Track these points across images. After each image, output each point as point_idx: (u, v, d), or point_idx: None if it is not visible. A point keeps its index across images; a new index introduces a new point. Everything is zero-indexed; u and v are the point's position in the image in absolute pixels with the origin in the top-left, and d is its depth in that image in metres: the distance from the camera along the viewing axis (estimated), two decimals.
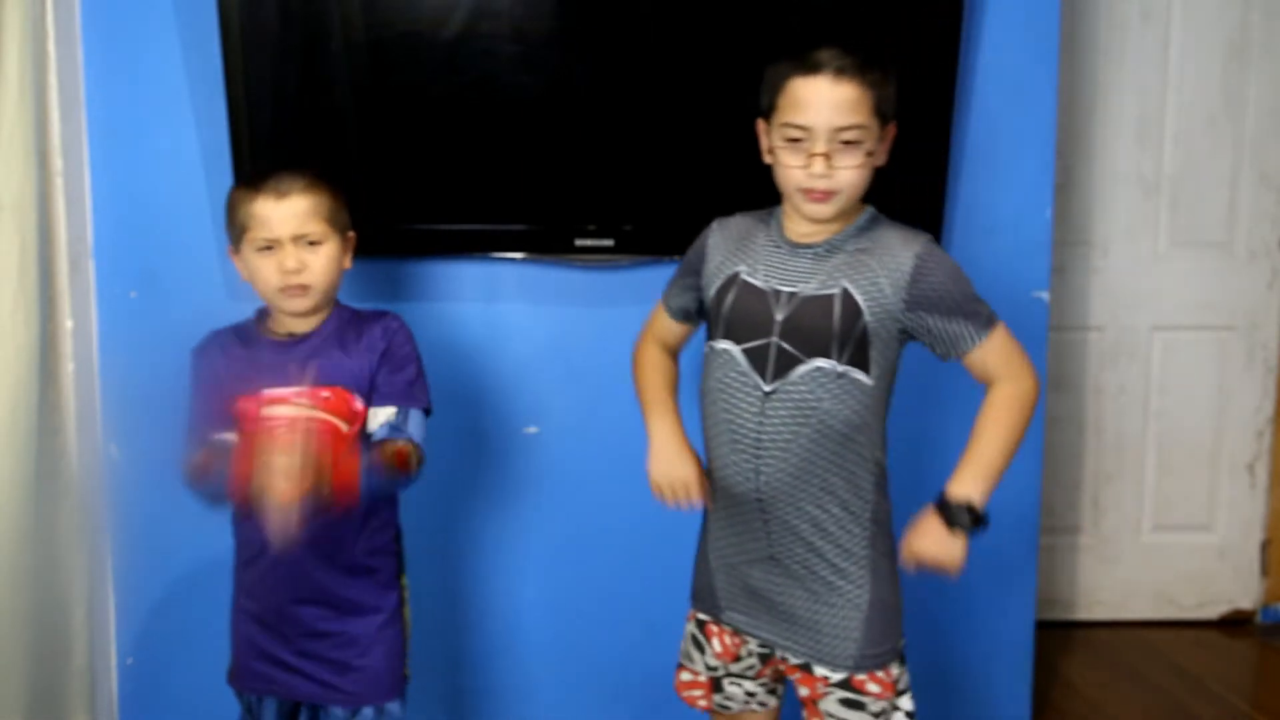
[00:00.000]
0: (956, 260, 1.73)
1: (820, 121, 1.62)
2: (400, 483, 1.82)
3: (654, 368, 1.89)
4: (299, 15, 2.16)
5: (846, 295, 1.66)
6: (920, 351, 1.76)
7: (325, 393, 1.78)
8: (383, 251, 2.27)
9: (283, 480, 1.58)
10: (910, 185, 2.23)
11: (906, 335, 1.71)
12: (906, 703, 1.75)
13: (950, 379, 1.82)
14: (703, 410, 1.78)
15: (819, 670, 1.73)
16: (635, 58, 2.23)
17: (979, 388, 1.73)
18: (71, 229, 2.22)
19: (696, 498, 1.77)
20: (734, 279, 1.74)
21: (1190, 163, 3.16)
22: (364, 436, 1.81)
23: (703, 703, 1.85)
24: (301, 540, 1.67)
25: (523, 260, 2.32)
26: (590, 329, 2.38)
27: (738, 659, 1.81)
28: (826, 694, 1.73)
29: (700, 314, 1.84)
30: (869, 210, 1.73)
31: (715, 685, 1.84)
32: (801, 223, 1.72)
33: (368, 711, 1.87)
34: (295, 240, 1.78)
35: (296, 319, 1.83)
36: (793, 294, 1.69)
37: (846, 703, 1.72)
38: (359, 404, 1.80)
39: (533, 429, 2.41)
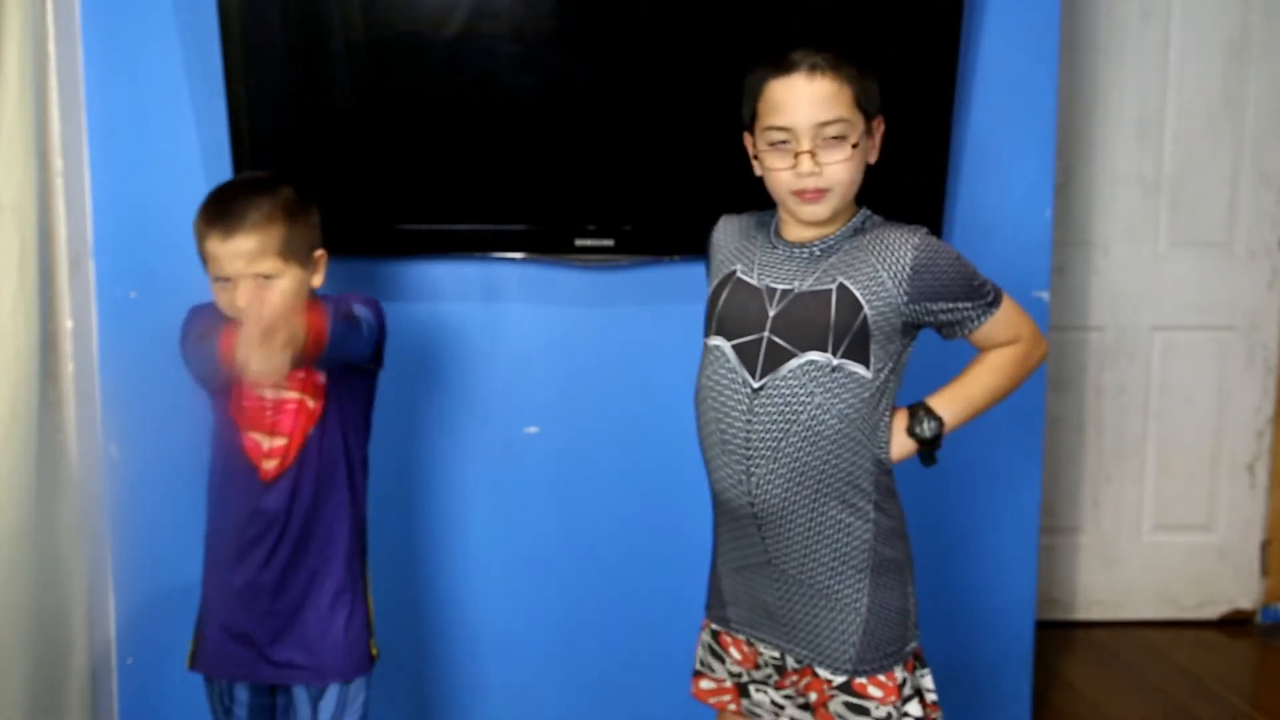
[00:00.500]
0: None
1: (801, 119, 1.63)
2: (352, 329, 1.79)
3: None
4: (299, 15, 2.16)
5: (843, 290, 1.66)
6: (924, 346, 1.77)
7: (301, 374, 1.81)
8: (383, 251, 2.27)
9: (255, 328, 1.55)
10: (910, 185, 2.23)
11: (913, 329, 1.71)
12: (914, 708, 1.72)
13: (957, 371, 1.83)
14: (696, 411, 1.77)
15: (821, 672, 1.72)
16: (635, 58, 2.23)
17: None
18: (71, 229, 2.22)
19: None
20: (730, 277, 1.74)
21: (1190, 163, 3.17)
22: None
23: (732, 707, 1.83)
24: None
25: (523, 260, 2.32)
26: (590, 329, 2.38)
27: (757, 667, 1.80)
28: (832, 696, 1.72)
29: None
30: (863, 211, 1.73)
31: (742, 690, 1.83)
32: (796, 226, 1.72)
33: (333, 689, 1.89)
34: (249, 279, 1.75)
35: None
36: (787, 291, 1.68)
37: (851, 707, 1.71)
38: (320, 378, 1.84)
39: (533, 429, 2.40)
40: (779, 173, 1.66)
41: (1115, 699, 2.86)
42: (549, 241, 2.28)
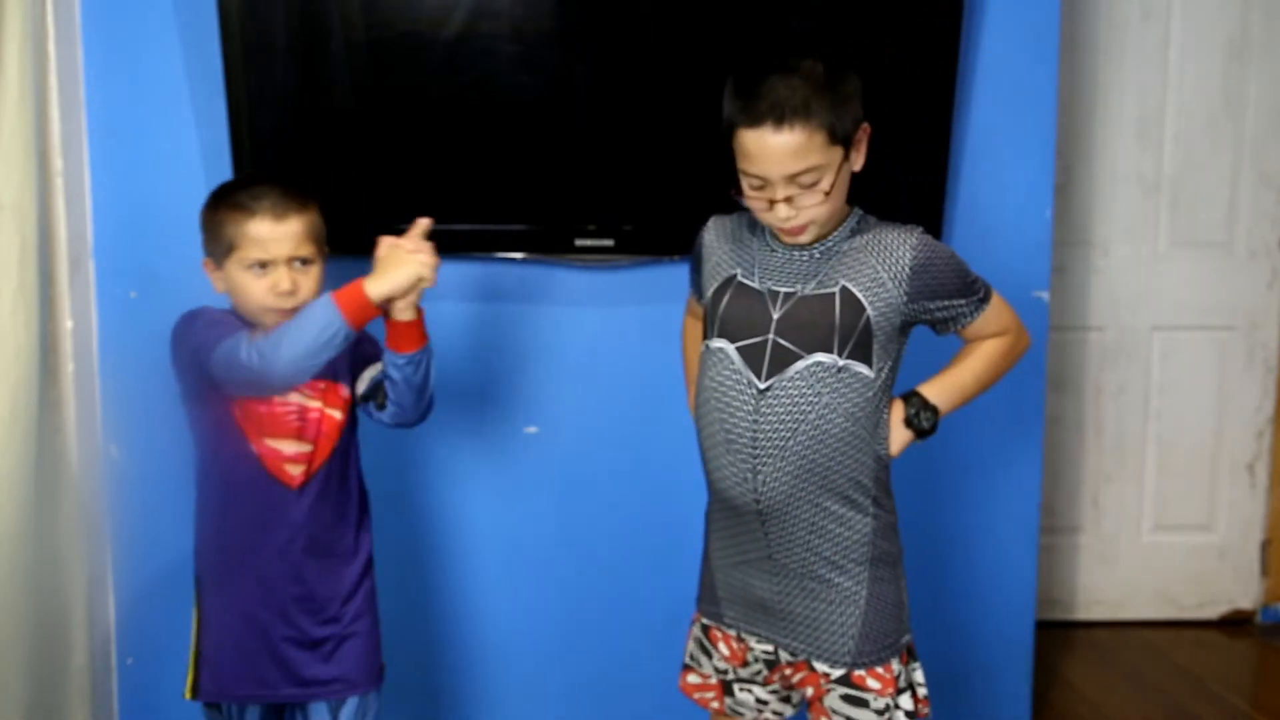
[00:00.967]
0: None
1: (773, 172, 1.61)
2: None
3: (696, 341, 1.92)
4: (299, 15, 2.16)
5: (846, 292, 1.67)
6: (918, 342, 1.77)
7: (322, 385, 1.83)
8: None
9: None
10: (910, 185, 2.23)
11: (910, 326, 1.73)
12: (906, 701, 1.74)
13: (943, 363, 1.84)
14: (698, 412, 1.78)
15: (819, 666, 1.73)
16: (635, 58, 2.23)
17: None
18: (71, 229, 2.22)
19: None
20: (730, 281, 1.74)
21: (1190, 163, 3.17)
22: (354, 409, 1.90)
23: (715, 704, 1.84)
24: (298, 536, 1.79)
25: (523, 260, 2.32)
26: (590, 329, 2.38)
27: (745, 664, 1.80)
28: (829, 690, 1.73)
29: None
30: (856, 211, 1.74)
31: (726, 689, 1.83)
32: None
33: (351, 701, 1.89)
34: (290, 261, 1.78)
35: None
36: (790, 294, 1.69)
37: (848, 699, 1.72)
38: (345, 391, 1.86)
39: (533, 429, 2.41)
40: (758, 210, 1.68)
41: (1115, 699, 2.86)
42: (549, 241, 2.28)
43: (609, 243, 2.27)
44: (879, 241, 1.70)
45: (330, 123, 2.22)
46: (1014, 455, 2.50)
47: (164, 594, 2.35)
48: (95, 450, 2.30)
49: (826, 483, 1.68)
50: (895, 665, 1.73)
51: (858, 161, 1.68)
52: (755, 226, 1.77)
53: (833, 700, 1.73)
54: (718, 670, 1.83)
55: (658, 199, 2.27)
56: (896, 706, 1.72)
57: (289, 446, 1.82)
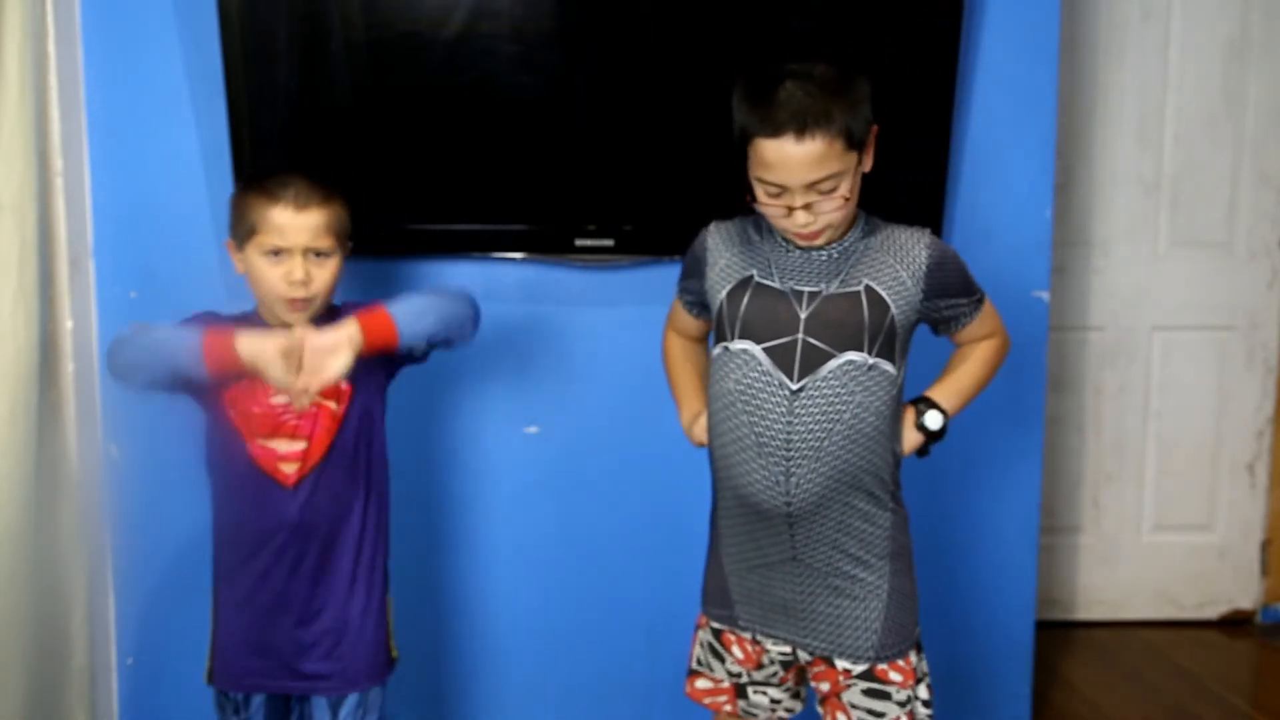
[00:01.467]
0: None
1: (794, 180, 1.61)
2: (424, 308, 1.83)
3: (684, 356, 1.95)
4: (299, 15, 2.16)
5: (871, 291, 1.68)
6: (917, 341, 1.79)
7: None
8: (383, 251, 2.27)
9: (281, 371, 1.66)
10: (910, 185, 2.23)
11: (917, 324, 1.76)
12: (924, 691, 1.76)
13: (943, 365, 1.85)
14: (715, 417, 1.76)
15: (840, 663, 1.73)
16: (635, 58, 2.23)
17: None
18: (71, 229, 2.22)
19: None
20: (748, 281, 1.73)
21: (1190, 163, 3.16)
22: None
23: (728, 708, 1.84)
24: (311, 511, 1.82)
25: (523, 260, 2.32)
26: (590, 329, 2.38)
27: (760, 666, 1.80)
28: (849, 686, 1.73)
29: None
30: (862, 211, 1.74)
31: (739, 691, 1.83)
32: None
33: (352, 699, 1.89)
34: (305, 252, 1.79)
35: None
36: (815, 293, 1.69)
37: (871, 693, 1.73)
38: (344, 384, 1.84)
39: (533, 429, 2.40)
40: (774, 217, 1.68)
41: (1115, 699, 2.86)
42: (549, 241, 2.28)
43: (609, 243, 2.27)
44: (893, 241, 1.71)
45: (330, 123, 2.22)
46: (1014, 455, 2.50)
47: (165, 594, 2.36)
48: (95, 450, 2.30)
49: (856, 482, 1.69)
50: (914, 657, 1.75)
51: (868, 163, 1.69)
52: (762, 228, 1.77)
53: (853, 695, 1.73)
54: (730, 674, 1.82)
55: (658, 199, 2.27)
56: (916, 697, 1.74)
57: (283, 445, 1.83)
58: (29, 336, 2.03)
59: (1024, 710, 2.59)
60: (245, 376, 1.73)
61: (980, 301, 1.79)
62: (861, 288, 1.68)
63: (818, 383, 1.67)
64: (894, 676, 1.73)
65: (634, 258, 2.31)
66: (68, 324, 2.22)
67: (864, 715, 1.73)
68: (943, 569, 2.45)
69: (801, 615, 1.73)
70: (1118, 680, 2.97)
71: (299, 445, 1.83)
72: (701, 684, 1.85)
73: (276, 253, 1.79)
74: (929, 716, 1.75)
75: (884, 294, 1.68)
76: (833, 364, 1.67)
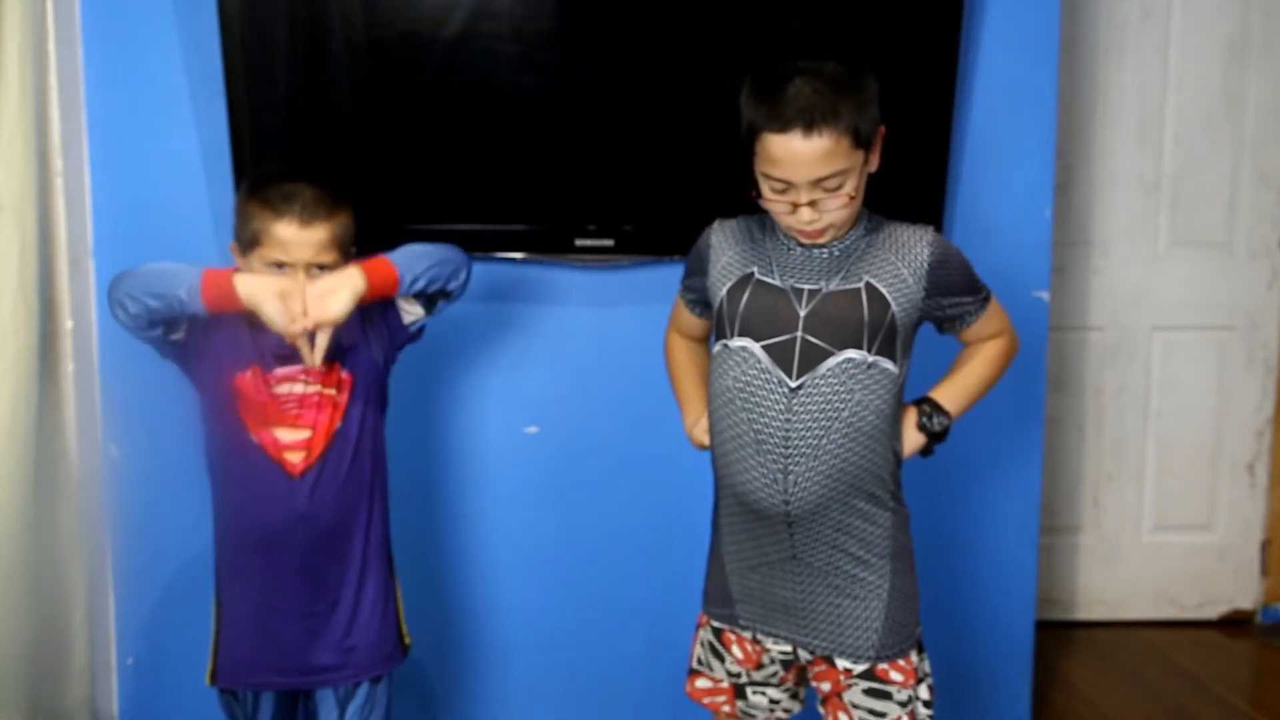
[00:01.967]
0: None
1: (800, 177, 1.61)
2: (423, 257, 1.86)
3: (687, 358, 1.94)
4: (299, 15, 2.16)
5: (871, 289, 1.68)
6: (920, 344, 1.78)
7: (322, 366, 1.82)
8: (382, 251, 2.27)
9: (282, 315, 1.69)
10: (910, 185, 2.23)
11: (919, 323, 1.75)
12: (924, 691, 1.76)
13: (947, 364, 1.85)
14: (715, 415, 1.76)
15: (841, 663, 1.73)
16: (635, 58, 2.23)
17: None
18: (71, 229, 2.22)
19: None
20: (748, 279, 1.73)
21: (1190, 163, 3.16)
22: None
23: (726, 708, 1.84)
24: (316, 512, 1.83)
25: (523, 260, 2.32)
26: (590, 329, 2.38)
27: (760, 666, 1.80)
28: (850, 685, 1.73)
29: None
30: (865, 210, 1.74)
31: (738, 692, 1.83)
32: None
33: (363, 689, 1.89)
34: (308, 267, 1.79)
35: None
36: (815, 291, 1.69)
37: (872, 692, 1.73)
38: (344, 373, 1.86)
39: (533, 429, 2.41)
40: (779, 214, 1.68)
41: (1115, 699, 2.86)
42: (549, 241, 2.28)
43: (609, 243, 2.27)
44: (895, 239, 1.71)
45: (330, 123, 2.22)
46: (1014, 455, 2.50)
47: (165, 593, 2.36)
48: (95, 450, 2.30)
49: (856, 481, 1.69)
50: (914, 656, 1.75)
51: (874, 163, 1.69)
52: (765, 226, 1.77)
53: (854, 695, 1.73)
54: (730, 674, 1.82)
55: (658, 199, 2.27)
56: (917, 697, 1.73)
57: (288, 434, 1.83)
58: (29, 336, 2.03)
59: (1024, 710, 2.59)
60: (240, 312, 1.73)
61: (986, 300, 1.78)
62: (862, 285, 1.68)
63: (816, 380, 1.66)
64: (895, 676, 1.72)
65: (634, 258, 2.31)
66: (68, 324, 2.22)
67: (865, 715, 1.73)
68: (943, 569, 2.45)
69: (802, 614, 1.73)
70: (1118, 680, 2.97)
71: (303, 434, 1.83)
72: (701, 683, 1.85)
73: (279, 265, 1.78)
74: (930, 717, 1.75)
75: (884, 291, 1.68)
76: (831, 362, 1.66)
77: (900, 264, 1.69)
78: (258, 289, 1.69)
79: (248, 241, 1.80)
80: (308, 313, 1.70)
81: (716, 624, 1.82)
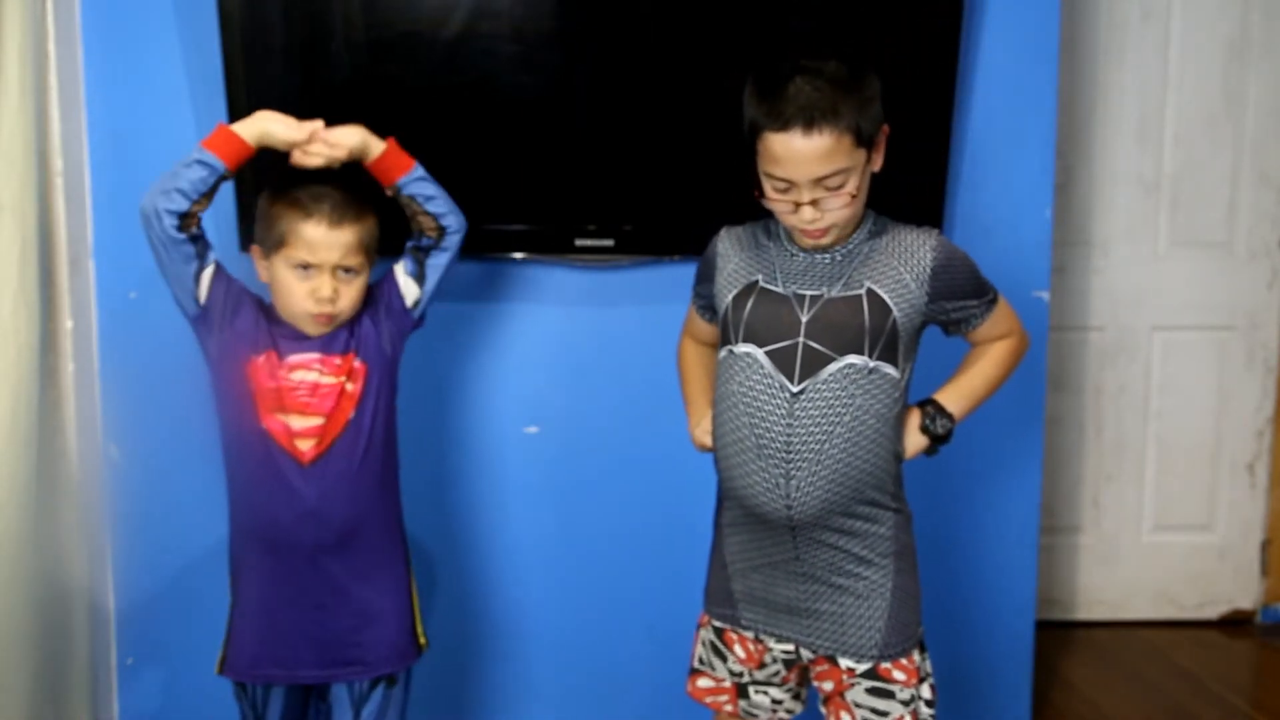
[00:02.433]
0: None
1: (800, 175, 1.61)
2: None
3: (697, 361, 1.95)
4: (299, 15, 2.16)
5: (872, 294, 1.68)
6: (929, 340, 1.79)
7: (337, 359, 1.84)
8: (383, 251, 2.26)
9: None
10: (910, 185, 2.23)
11: (925, 327, 1.75)
12: (926, 691, 1.76)
13: (952, 369, 1.85)
14: (719, 419, 1.77)
15: (844, 662, 1.73)
16: (635, 58, 2.23)
17: None
18: (71, 229, 2.22)
19: None
20: (753, 286, 1.74)
21: (1190, 163, 3.17)
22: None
23: (729, 708, 1.84)
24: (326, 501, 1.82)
25: (523, 260, 2.32)
26: (590, 329, 2.38)
27: (762, 665, 1.80)
28: (853, 685, 1.73)
29: None
30: (870, 212, 1.74)
31: (740, 691, 1.83)
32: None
33: (379, 690, 1.87)
34: (334, 269, 1.80)
35: None
36: (816, 296, 1.69)
37: (875, 691, 1.73)
38: (358, 362, 1.85)
39: (533, 429, 2.41)
40: (781, 213, 1.68)
41: (1115, 699, 2.86)
42: (549, 241, 2.28)
43: (609, 243, 2.27)
44: (899, 243, 1.71)
45: (330, 123, 2.20)
46: (1014, 455, 2.50)
47: (164, 594, 2.36)
48: (95, 450, 2.30)
49: (858, 486, 1.69)
50: (916, 656, 1.75)
51: (877, 162, 1.69)
52: (770, 233, 1.77)
53: (856, 694, 1.73)
54: (732, 673, 1.82)
55: (658, 199, 2.27)
56: (919, 696, 1.73)
57: (298, 421, 1.82)
58: (29, 336, 2.03)
59: (1024, 710, 2.59)
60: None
61: (993, 302, 1.78)
62: (863, 291, 1.68)
63: (818, 385, 1.67)
64: (897, 675, 1.73)
65: (634, 258, 2.31)
66: (68, 324, 2.22)
67: (868, 714, 1.73)
68: (943, 569, 2.45)
69: (805, 614, 1.74)
70: (1118, 680, 2.97)
71: (315, 421, 1.82)
72: (703, 683, 1.85)
73: (305, 267, 1.79)
74: (932, 716, 1.75)
75: (886, 297, 1.68)
76: (833, 367, 1.67)
77: (903, 269, 1.69)
78: (258, 118, 1.79)
79: (274, 243, 1.81)
80: (316, 138, 1.79)
81: (718, 624, 1.82)
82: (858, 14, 2.23)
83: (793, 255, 1.73)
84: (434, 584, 2.42)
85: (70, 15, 2.20)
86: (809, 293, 1.70)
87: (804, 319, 1.68)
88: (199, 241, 1.82)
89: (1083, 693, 2.90)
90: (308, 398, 1.82)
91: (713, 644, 1.84)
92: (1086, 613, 3.32)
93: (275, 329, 1.85)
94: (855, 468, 1.67)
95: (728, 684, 1.83)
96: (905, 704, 1.73)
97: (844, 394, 1.66)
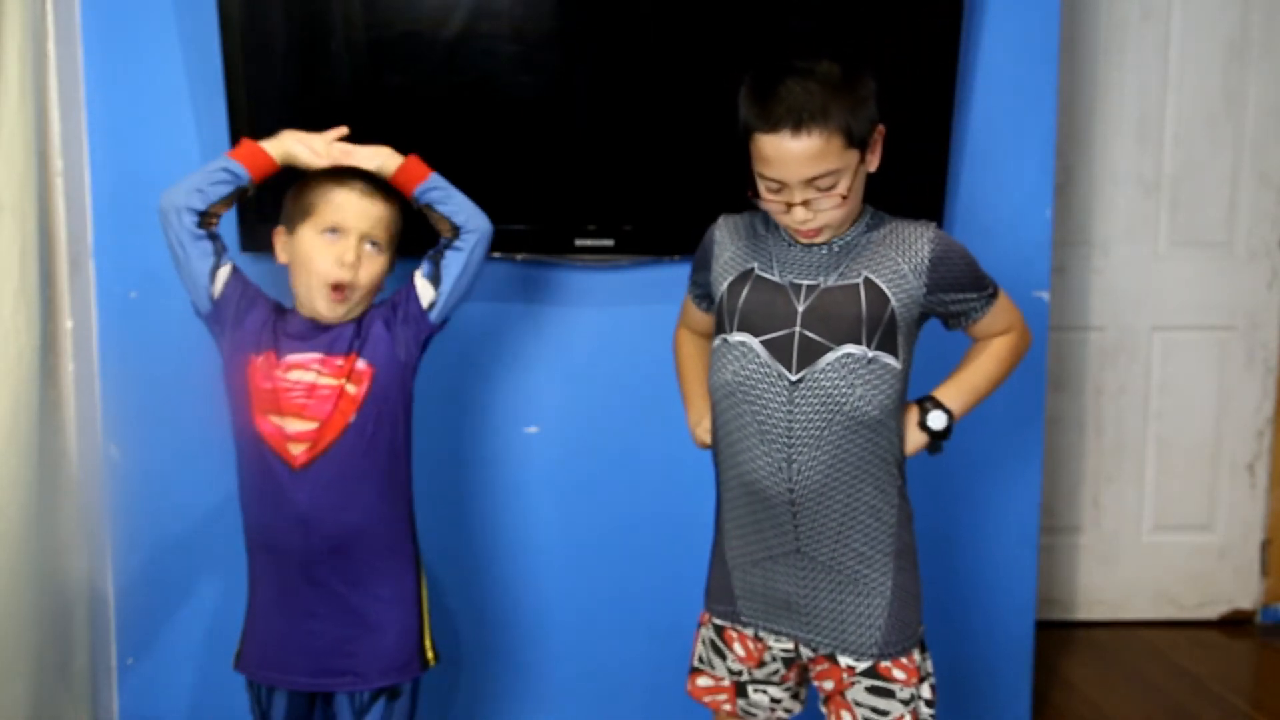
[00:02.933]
0: None
1: (791, 176, 1.62)
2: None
3: (694, 353, 1.96)
4: (299, 15, 2.16)
5: (870, 284, 1.68)
6: (924, 342, 1.78)
7: (339, 360, 1.83)
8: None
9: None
10: (910, 185, 2.23)
11: (924, 319, 1.75)
12: (927, 690, 1.76)
13: (954, 363, 1.85)
14: (717, 407, 1.77)
15: (844, 660, 1.73)
16: (635, 58, 2.23)
17: None
18: (71, 229, 2.22)
19: None
20: (748, 274, 1.74)
21: (1190, 163, 3.17)
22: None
23: (727, 707, 1.84)
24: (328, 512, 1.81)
25: (523, 260, 2.32)
26: (590, 329, 2.38)
27: (761, 664, 1.80)
28: (853, 684, 1.73)
29: None
30: (868, 207, 1.75)
31: (739, 690, 1.83)
32: None
33: (380, 703, 1.85)
34: (362, 238, 1.82)
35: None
36: (813, 286, 1.69)
37: (875, 690, 1.73)
38: (362, 364, 1.84)
39: (533, 429, 2.41)
40: (775, 213, 1.69)
41: (1115, 699, 2.86)
42: (549, 241, 2.28)
43: (609, 243, 2.27)
44: (896, 235, 1.71)
45: (330, 123, 2.20)
46: (1014, 455, 2.50)
47: (164, 594, 2.36)
48: (95, 450, 2.30)
49: (859, 471, 1.69)
50: (917, 655, 1.75)
51: (873, 162, 1.69)
52: (769, 222, 1.78)
53: (857, 693, 1.73)
54: (731, 672, 1.82)
55: (658, 199, 2.27)
56: (919, 696, 1.74)
57: (292, 424, 1.80)
58: (29, 336, 2.04)
59: (1024, 710, 2.59)
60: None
61: (993, 296, 1.77)
62: (860, 280, 1.68)
63: (816, 374, 1.67)
64: (898, 674, 1.73)
65: (634, 258, 2.31)
66: (68, 324, 2.22)
67: (869, 713, 1.73)
68: (943, 568, 2.45)
69: (805, 611, 1.74)
70: (1118, 680, 2.97)
71: (309, 425, 1.79)
72: (702, 682, 1.85)
73: (334, 230, 1.80)
74: (932, 716, 1.75)
75: (883, 286, 1.68)
76: (830, 356, 1.67)
77: (900, 259, 1.69)
78: (283, 139, 1.83)
79: (301, 214, 1.82)
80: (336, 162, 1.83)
81: (718, 621, 1.83)
82: (857, 14, 2.23)
83: (789, 246, 1.74)
84: (433, 584, 2.41)
85: (70, 15, 2.20)
86: (805, 282, 1.70)
87: (800, 309, 1.69)
88: (216, 240, 1.84)
89: (1083, 693, 2.90)
90: (304, 399, 1.79)
91: (712, 642, 1.84)
92: (1086, 613, 3.32)
93: (281, 329, 1.84)
94: (855, 453, 1.68)
95: (727, 683, 1.83)
96: (905, 703, 1.73)
97: (843, 383, 1.66)
